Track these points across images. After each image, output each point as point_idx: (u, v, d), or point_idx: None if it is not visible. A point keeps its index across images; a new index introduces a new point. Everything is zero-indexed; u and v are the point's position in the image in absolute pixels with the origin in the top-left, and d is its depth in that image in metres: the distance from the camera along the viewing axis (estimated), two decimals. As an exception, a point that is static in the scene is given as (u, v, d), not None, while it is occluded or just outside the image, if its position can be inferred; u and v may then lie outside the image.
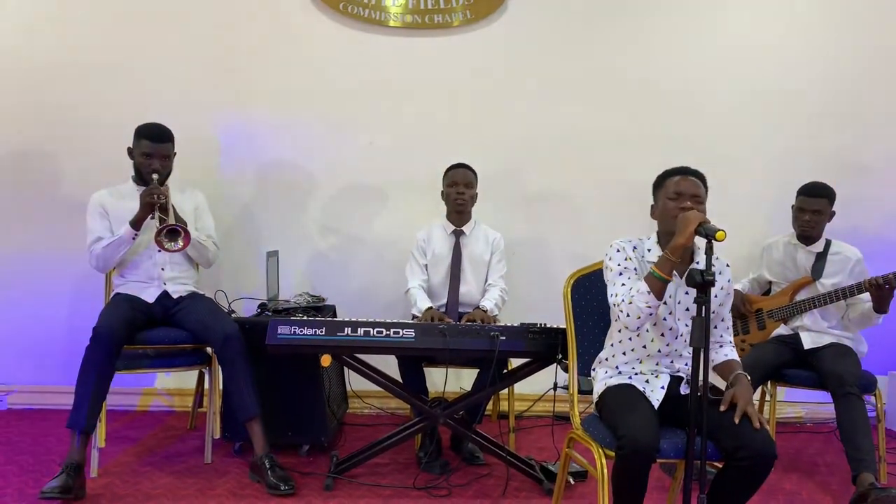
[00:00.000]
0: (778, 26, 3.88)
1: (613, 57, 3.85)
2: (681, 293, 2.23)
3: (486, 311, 3.15)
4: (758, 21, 3.87)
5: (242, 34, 3.75)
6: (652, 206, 2.34)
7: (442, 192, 3.40)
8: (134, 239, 2.94)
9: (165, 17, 3.71)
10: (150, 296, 3.00)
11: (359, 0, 3.74)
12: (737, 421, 2.00)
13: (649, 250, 2.28)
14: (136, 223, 2.91)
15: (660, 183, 2.31)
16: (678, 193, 2.21)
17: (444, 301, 3.33)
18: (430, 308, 3.17)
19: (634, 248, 2.29)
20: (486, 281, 3.39)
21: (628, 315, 2.14)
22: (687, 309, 2.24)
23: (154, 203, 2.84)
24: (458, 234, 3.38)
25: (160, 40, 3.70)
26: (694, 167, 2.29)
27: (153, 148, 2.99)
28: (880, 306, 2.98)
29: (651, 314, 2.14)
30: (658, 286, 2.11)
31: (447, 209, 3.41)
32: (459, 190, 3.31)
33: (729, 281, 2.32)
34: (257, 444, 2.81)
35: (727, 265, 2.32)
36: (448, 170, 3.38)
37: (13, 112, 3.68)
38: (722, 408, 2.05)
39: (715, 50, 3.86)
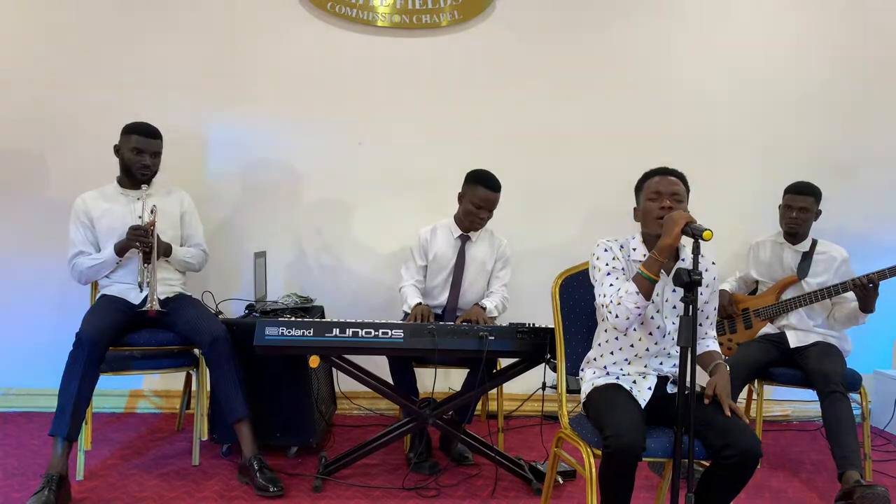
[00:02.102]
0: (766, 27, 3.91)
1: (602, 56, 3.86)
2: (668, 291, 2.24)
3: (484, 309, 3.12)
4: (747, 22, 3.90)
5: (229, 33, 3.73)
6: (634, 209, 2.35)
7: (460, 195, 3.24)
8: (117, 264, 2.98)
9: (151, 16, 3.68)
10: (136, 297, 2.98)
11: (346, 0, 3.74)
12: (728, 414, 2.03)
13: (635, 249, 2.29)
14: (121, 252, 2.94)
15: (640, 185, 2.32)
16: (658, 193, 2.22)
17: (443, 304, 3.28)
18: (420, 304, 3.14)
19: (621, 247, 2.30)
20: (488, 288, 3.32)
21: (617, 316, 2.14)
22: (674, 307, 2.25)
23: (138, 248, 2.89)
24: (464, 238, 3.29)
25: (146, 40, 3.68)
26: (685, 165, 2.30)
27: (144, 143, 2.98)
28: (866, 305, 3.00)
29: (640, 315, 2.15)
30: (646, 286, 2.11)
31: (460, 215, 3.25)
32: (482, 215, 3.16)
33: (714, 278, 2.34)
34: (246, 445, 2.80)
35: (712, 262, 2.34)
36: (479, 181, 3.15)
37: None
38: (706, 401, 2.08)
39: (704, 50, 3.88)
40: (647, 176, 2.30)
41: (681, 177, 2.28)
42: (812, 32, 3.91)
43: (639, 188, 2.33)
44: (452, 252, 3.28)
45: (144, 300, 2.94)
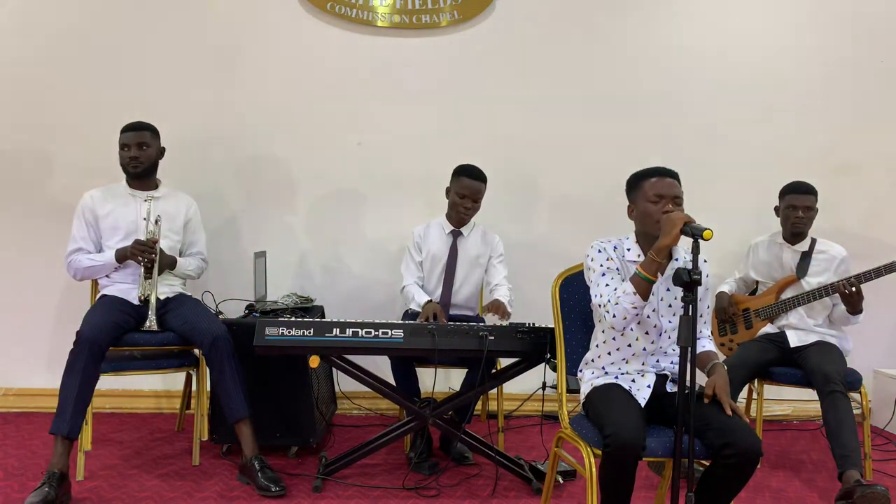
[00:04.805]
0: (761, 26, 3.91)
1: (601, 56, 3.86)
2: (663, 290, 2.23)
3: (503, 303, 3.13)
4: (743, 21, 3.90)
5: (229, 34, 3.73)
6: (629, 207, 2.32)
7: (448, 189, 3.30)
8: (115, 269, 3.00)
9: (153, 17, 3.68)
10: (136, 297, 2.97)
11: (346, 0, 3.74)
12: (728, 413, 2.02)
13: (629, 250, 2.29)
14: (121, 259, 2.96)
15: (635, 184, 2.28)
16: (659, 196, 2.20)
17: (437, 300, 3.28)
18: (430, 302, 3.14)
19: (615, 247, 2.29)
20: (491, 283, 3.34)
21: (614, 316, 2.14)
22: (670, 305, 2.25)
23: (140, 263, 2.91)
24: (455, 234, 3.33)
25: (148, 41, 3.68)
26: (683, 165, 2.30)
27: (128, 137, 3.02)
28: (852, 308, 3.02)
29: (637, 315, 2.15)
30: (644, 287, 2.11)
31: (448, 210, 3.33)
32: (467, 205, 3.22)
33: (707, 276, 2.33)
34: (246, 445, 2.79)
35: (704, 260, 2.30)
36: (461, 173, 3.23)
37: (3, 111, 3.65)
38: (705, 400, 2.08)
39: (703, 50, 3.88)
40: (643, 176, 2.26)
41: (677, 177, 2.26)
42: (812, 31, 3.91)
43: (633, 187, 2.29)
44: (445, 247, 3.32)
45: (145, 301, 2.94)
